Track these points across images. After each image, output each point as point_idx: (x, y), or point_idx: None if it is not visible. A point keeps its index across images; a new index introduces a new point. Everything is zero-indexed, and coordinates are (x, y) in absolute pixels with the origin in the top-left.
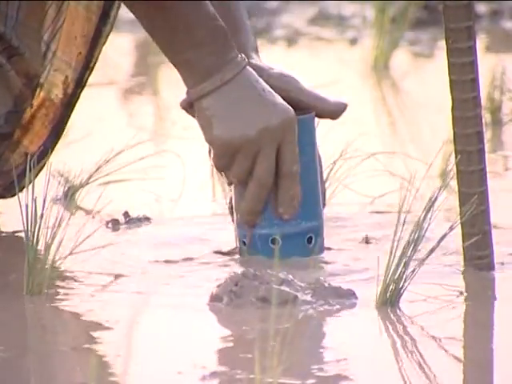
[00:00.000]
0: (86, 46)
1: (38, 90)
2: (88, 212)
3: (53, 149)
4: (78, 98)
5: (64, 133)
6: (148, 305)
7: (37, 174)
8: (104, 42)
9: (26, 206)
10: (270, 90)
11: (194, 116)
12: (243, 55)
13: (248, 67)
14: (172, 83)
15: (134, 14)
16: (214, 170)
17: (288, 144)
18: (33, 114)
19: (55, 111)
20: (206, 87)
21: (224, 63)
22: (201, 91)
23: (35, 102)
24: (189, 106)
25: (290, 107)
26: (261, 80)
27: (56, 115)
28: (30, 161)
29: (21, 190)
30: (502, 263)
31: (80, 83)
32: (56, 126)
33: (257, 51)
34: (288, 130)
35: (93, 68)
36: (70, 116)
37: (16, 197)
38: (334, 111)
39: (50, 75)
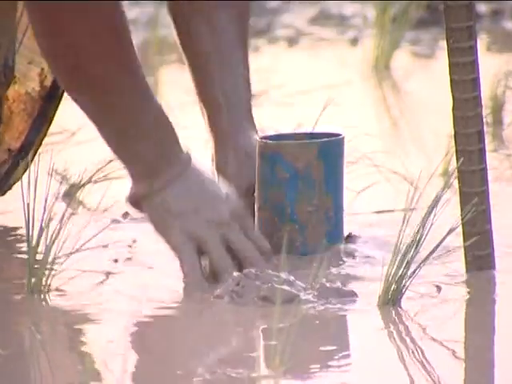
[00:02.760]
0: None
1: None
2: (89, 211)
3: (39, 144)
4: (63, 91)
5: (50, 126)
6: (149, 303)
7: (25, 170)
8: None
9: (28, 204)
10: (214, 182)
11: (141, 211)
12: (187, 150)
13: (192, 162)
14: (172, 84)
15: (79, 105)
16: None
17: (248, 230)
18: (11, 110)
19: (34, 105)
20: (155, 182)
21: (171, 156)
22: (150, 187)
23: (10, 95)
24: (136, 203)
25: (236, 198)
26: (205, 173)
27: (35, 109)
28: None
29: (9, 188)
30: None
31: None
32: (37, 120)
33: (250, 117)
34: (240, 218)
35: None
36: (54, 109)
37: (16, 195)
38: None
39: (25, 68)
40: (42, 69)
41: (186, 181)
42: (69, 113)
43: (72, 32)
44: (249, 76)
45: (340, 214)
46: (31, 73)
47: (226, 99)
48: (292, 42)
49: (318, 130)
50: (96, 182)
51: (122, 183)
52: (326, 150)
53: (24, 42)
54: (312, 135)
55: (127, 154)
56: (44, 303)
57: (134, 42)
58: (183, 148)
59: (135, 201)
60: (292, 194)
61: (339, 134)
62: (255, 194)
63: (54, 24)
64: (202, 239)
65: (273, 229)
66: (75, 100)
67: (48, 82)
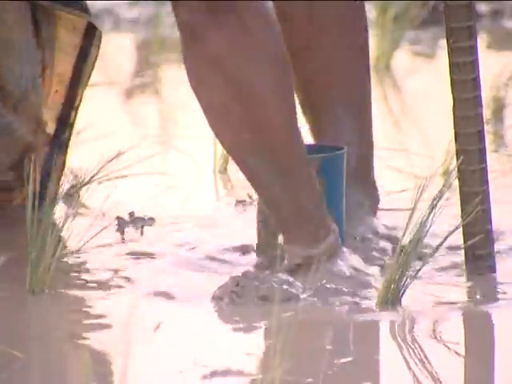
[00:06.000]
0: (62, 84)
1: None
2: (93, 210)
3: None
4: (69, 138)
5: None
6: (150, 303)
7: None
8: (87, 82)
9: (32, 204)
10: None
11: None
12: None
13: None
14: (174, 82)
15: (251, 173)
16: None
17: None
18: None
19: (40, 153)
20: (322, 247)
21: (329, 226)
22: (319, 250)
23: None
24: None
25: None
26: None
27: (41, 156)
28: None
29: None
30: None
31: (65, 122)
32: (46, 167)
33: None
34: None
35: (78, 107)
36: (63, 155)
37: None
38: None
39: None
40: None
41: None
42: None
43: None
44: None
45: (342, 226)
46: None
47: None
48: None
49: (319, 142)
50: (100, 182)
51: (125, 183)
52: (328, 165)
53: None
54: (313, 148)
55: (299, 214)
56: (46, 301)
57: (135, 42)
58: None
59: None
60: None
61: (341, 148)
62: (256, 209)
63: (237, 74)
64: None
65: (273, 244)
66: (247, 164)
67: (51, 130)
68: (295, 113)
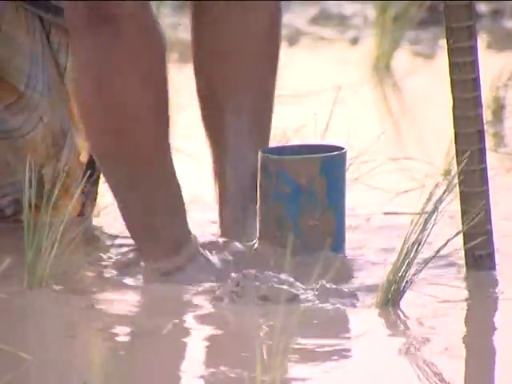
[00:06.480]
0: None
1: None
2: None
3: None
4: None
5: None
6: (150, 302)
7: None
8: None
9: (28, 202)
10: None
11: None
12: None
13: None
14: (173, 82)
15: (109, 175)
16: None
17: None
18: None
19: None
20: (178, 260)
21: (188, 236)
22: (173, 263)
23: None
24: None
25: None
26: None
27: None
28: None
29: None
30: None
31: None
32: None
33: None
34: None
35: None
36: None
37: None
38: None
39: None
40: None
41: (202, 257)
42: None
43: (117, 90)
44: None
45: (342, 226)
46: None
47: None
48: (292, 41)
49: (319, 141)
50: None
51: None
52: (329, 165)
53: None
54: (313, 148)
55: (150, 229)
56: (44, 298)
57: None
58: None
59: (154, 277)
60: (294, 209)
61: (341, 148)
62: (257, 207)
63: (102, 83)
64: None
65: (274, 243)
66: (105, 166)
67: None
68: (163, 130)
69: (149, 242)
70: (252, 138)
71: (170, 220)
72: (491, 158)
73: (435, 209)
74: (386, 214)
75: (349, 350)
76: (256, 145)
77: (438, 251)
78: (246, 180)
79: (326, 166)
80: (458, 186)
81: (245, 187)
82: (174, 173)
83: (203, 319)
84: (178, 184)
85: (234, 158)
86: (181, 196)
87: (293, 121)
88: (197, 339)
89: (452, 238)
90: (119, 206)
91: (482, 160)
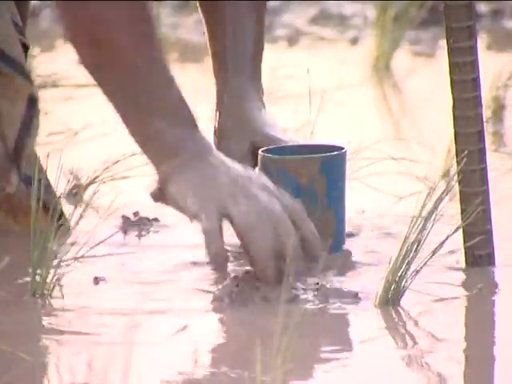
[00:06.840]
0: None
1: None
2: (97, 211)
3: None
4: None
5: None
6: (151, 305)
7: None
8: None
9: (36, 207)
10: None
11: (166, 204)
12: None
13: (215, 151)
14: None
15: (99, 82)
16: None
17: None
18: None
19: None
20: (175, 163)
21: (192, 139)
22: (172, 167)
23: None
24: (160, 193)
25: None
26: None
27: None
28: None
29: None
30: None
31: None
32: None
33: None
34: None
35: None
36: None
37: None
38: None
39: None
40: None
41: (208, 164)
42: (72, 112)
43: (96, 4)
44: (260, 38)
45: (342, 227)
46: None
47: (233, 56)
48: (292, 41)
49: (319, 141)
50: (104, 181)
51: (129, 183)
52: (329, 165)
53: None
54: (313, 148)
55: (147, 131)
56: (47, 305)
57: None
58: (204, 138)
59: (160, 188)
60: None
61: (341, 147)
62: None
63: None
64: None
65: None
66: (95, 76)
67: None
68: (146, 40)
69: (151, 149)
70: (252, 17)
71: (167, 122)
72: (491, 158)
73: (435, 208)
74: (386, 214)
75: (349, 350)
76: (256, 23)
77: (436, 250)
78: (248, 48)
79: (326, 165)
80: (457, 185)
81: (247, 56)
82: (167, 79)
83: (203, 319)
84: (174, 89)
85: (233, 29)
86: (181, 101)
87: (293, 121)
88: (197, 339)
89: (451, 234)
90: (119, 115)
91: (482, 160)
